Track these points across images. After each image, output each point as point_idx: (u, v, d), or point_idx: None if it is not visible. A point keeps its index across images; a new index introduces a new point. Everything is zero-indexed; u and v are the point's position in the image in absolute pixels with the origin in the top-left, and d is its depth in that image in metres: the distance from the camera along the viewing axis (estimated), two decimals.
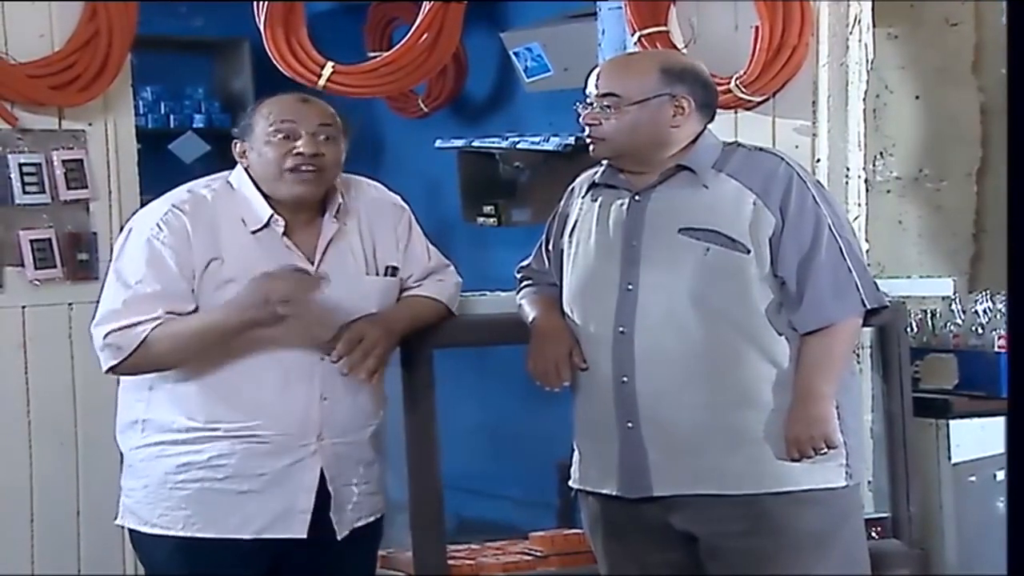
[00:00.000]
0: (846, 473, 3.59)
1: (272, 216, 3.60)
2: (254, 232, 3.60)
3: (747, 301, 3.53)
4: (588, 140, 3.65)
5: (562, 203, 3.81)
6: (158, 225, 3.57)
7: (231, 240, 3.58)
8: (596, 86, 3.63)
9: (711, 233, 3.53)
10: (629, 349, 3.55)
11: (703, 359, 3.51)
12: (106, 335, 3.54)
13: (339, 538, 3.63)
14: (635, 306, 3.56)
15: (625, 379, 3.56)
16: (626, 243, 3.60)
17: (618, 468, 3.60)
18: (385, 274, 3.73)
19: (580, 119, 3.65)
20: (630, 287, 3.57)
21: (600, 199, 3.68)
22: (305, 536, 3.60)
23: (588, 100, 3.63)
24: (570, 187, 3.82)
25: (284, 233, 3.61)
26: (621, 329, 3.56)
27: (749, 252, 3.52)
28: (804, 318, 3.54)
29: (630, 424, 3.57)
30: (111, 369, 3.57)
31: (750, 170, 3.59)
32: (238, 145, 3.65)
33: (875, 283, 3.63)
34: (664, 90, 3.59)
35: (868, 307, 3.58)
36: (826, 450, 3.51)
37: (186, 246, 3.54)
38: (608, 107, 3.59)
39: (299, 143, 3.56)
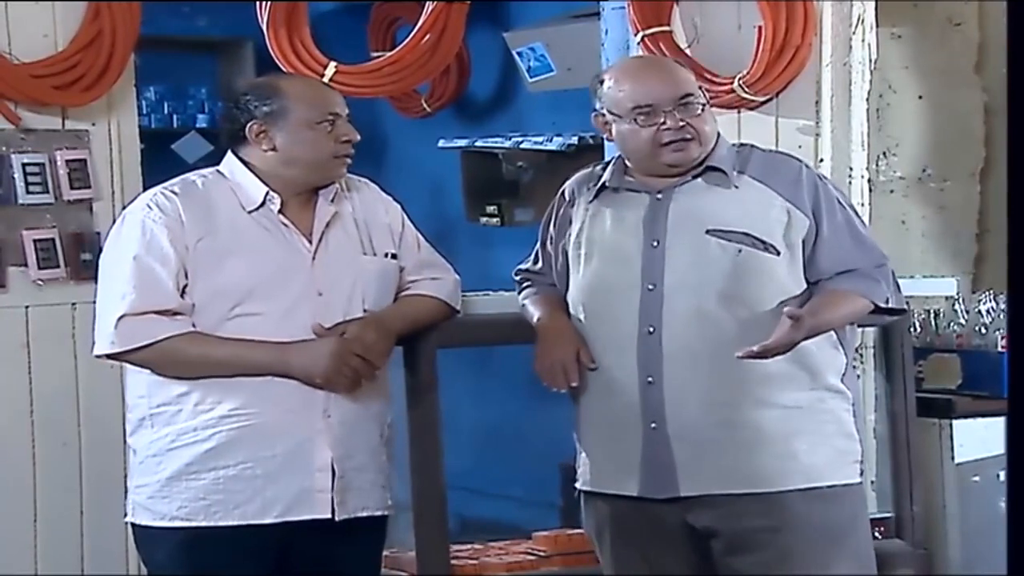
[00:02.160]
0: (860, 471, 3.63)
1: (268, 194, 3.64)
2: (250, 212, 3.65)
3: (776, 301, 3.53)
4: (675, 144, 3.57)
5: (557, 206, 3.79)
6: (148, 206, 3.63)
7: (226, 218, 3.63)
8: (668, 90, 3.58)
9: (742, 235, 3.54)
10: (656, 349, 3.54)
11: (732, 359, 3.49)
12: (118, 320, 3.55)
13: (337, 519, 3.63)
14: (661, 306, 3.54)
15: (651, 379, 3.54)
16: (647, 243, 3.59)
17: (640, 469, 3.58)
18: (384, 257, 3.76)
19: (655, 128, 3.56)
20: (652, 287, 3.56)
21: (612, 200, 3.67)
22: (330, 515, 3.62)
23: (656, 106, 3.57)
24: (562, 189, 3.80)
25: (280, 211, 3.65)
26: (649, 329, 3.54)
27: (779, 254, 3.54)
28: (844, 282, 3.57)
29: (654, 424, 3.55)
30: (113, 355, 3.60)
31: (773, 173, 3.62)
32: (254, 127, 3.66)
33: (898, 284, 3.68)
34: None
35: (891, 306, 3.62)
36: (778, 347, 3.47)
37: (178, 224, 3.59)
38: (689, 106, 3.58)
39: (345, 130, 3.68)
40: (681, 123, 3.57)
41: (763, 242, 3.54)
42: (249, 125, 3.66)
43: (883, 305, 3.61)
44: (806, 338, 3.47)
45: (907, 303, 4.64)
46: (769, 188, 3.59)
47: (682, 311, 3.53)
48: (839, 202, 3.64)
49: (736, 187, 3.59)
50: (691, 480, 3.56)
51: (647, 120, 3.58)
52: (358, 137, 3.71)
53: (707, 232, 3.56)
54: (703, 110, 3.61)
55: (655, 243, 3.59)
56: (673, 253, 3.57)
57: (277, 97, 3.66)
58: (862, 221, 3.70)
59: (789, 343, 3.44)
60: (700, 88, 3.65)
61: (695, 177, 3.62)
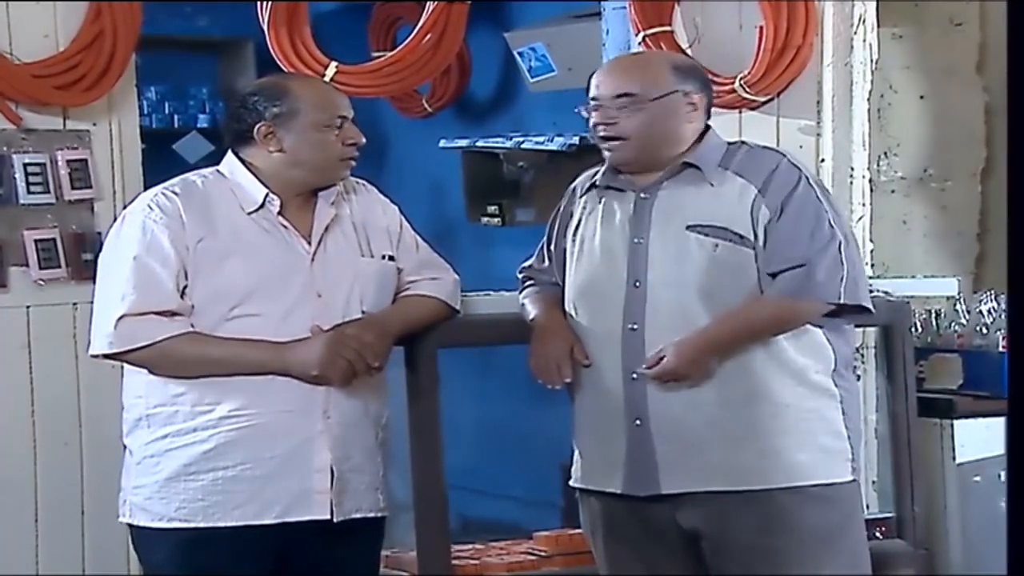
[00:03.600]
0: (852, 468, 3.61)
1: (267, 195, 3.64)
2: (250, 213, 3.64)
3: (755, 294, 3.54)
4: (604, 143, 3.62)
5: (563, 203, 3.82)
6: (149, 206, 3.62)
7: (226, 219, 3.62)
8: (606, 87, 3.61)
9: (719, 229, 3.54)
10: (640, 345, 3.55)
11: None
12: (118, 321, 3.54)
13: (335, 520, 3.62)
14: (644, 302, 3.56)
15: (635, 376, 3.56)
16: (632, 241, 3.61)
17: (625, 466, 3.60)
18: (382, 259, 3.76)
19: (591, 122, 3.63)
20: (637, 284, 3.58)
21: (603, 199, 3.69)
22: (329, 516, 3.61)
23: (598, 103, 3.62)
24: (571, 187, 3.82)
25: (279, 213, 3.65)
26: (632, 326, 3.56)
27: (755, 247, 3.54)
28: (782, 285, 3.53)
29: (638, 421, 3.57)
30: (110, 355, 3.58)
31: (754, 166, 3.60)
32: (262, 128, 3.65)
33: (867, 283, 3.63)
34: (677, 87, 3.61)
35: (843, 302, 3.54)
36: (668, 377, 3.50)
37: (179, 224, 3.58)
38: (625, 107, 3.58)
39: (352, 134, 3.68)
40: (610, 120, 3.59)
41: (740, 235, 3.54)
42: (257, 126, 3.65)
43: (820, 301, 3.54)
44: (708, 353, 3.49)
45: (908, 303, 4.71)
46: (747, 181, 3.58)
47: (664, 308, 3.55)
48: (817, 199, 3.57)
49: (712, 184, 3.59)
50: (672, 477, 3.56)
51: (592, 115, 3.64)
52: (364, 140, 3.71)
53: (687, 228, 3.57)
54: (641, 111, 3.58)
55: (639, 240, 3.60)
56: (655, 250, 3.58)
57: (286, 99, 3.66)
58: (839, 219, 3.60)
59: (673, 373, 3.48)
60: (679, 90, 3.59)
61: (676, 174, 3.61)
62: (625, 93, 3.59)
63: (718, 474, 3.54)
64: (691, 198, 3.59)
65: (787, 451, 3.54)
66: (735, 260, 3.53)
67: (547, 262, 3.84)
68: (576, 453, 3.75)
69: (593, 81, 3.66)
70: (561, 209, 3.82)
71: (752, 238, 3.54)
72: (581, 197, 3.75)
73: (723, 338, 3.52)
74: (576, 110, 3.70)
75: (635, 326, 3.56)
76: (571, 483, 3.76)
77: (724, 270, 3.53)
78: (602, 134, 3.62)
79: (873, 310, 3.64)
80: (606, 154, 3.65)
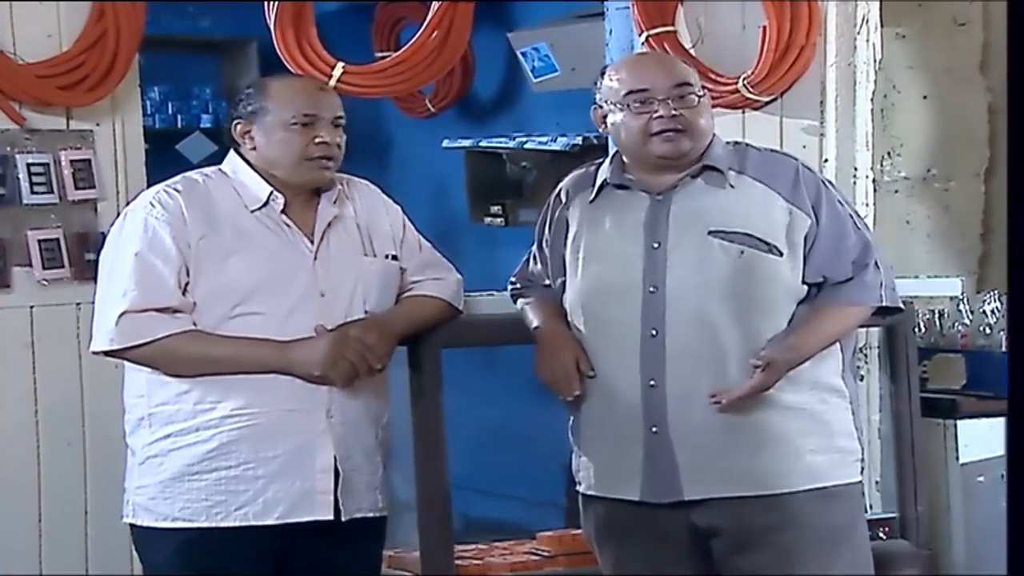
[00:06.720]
0: (860, 468, 3.64)
1: (271, 194, 3.64)
2: (253, 211, 3.65)
3: (779, 302, 3.54)
4: (667, 135, 3.53)
5: (553, 208, 3.76)
6: (151, 203, 3.63)
7: (228, 216, 3.63)
8: (664, 79, 3.54)
9: (743, 235, 3.52)
10: (660, 352, 3.52)
11: (736, 361, 3.49)
12: (119, 317, 3.55)
13: (343, 519, 3.62)
14: (664, 308, 3.53)
15: (653, 382, 3.53)
16: (648, 245, 3.57)
17: (642, 473, 3.57)
18: (384, 259, 3.76)
19: (655, 115, 3.52)
20: (654, 289, 3.54)
21: (611, 201, 3.65)
22: (332, 517, 3.61)
23: (650, 95, 3.54)
24: (557, 191, 3.78)
25: (282, 211, 3.65)
26: (652, 332, 3.53)
27: (782, 255, 3.53)
28: (829, 296, 3.57)
29: (655, 428, 3.54)
30: (112, 353, 3.59)
31: (772, 172, 3.60)
32: (239, 126, 3.67)
33: (893, 283, 3.66)
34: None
35: (884, 304, 3.61)
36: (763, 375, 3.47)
37: (180, 221, 3.59)
38: (684, 97, 3.54)
39: (321, 133, 3.64)
40: (674, 112, 3.53)
41: (765, 243, 3.53)
42: (235, 124, 3.69)
43: (876, 305, 3.61)
44: (791, 368, 3.50)
45: (912, 303, 4.72)
46: (770, 188, 3.57)
47: (685, 313, 3.52)
48: (839, 202, 3.62)
49: (733, 187, 3.57)
50: (695, 483, 3.55)
51: (640, 108, 3.55)
52: (339, 140, 3.67)
53: (709, 233, 3.54)
54: (699, 102, 3.57)
55: (656, 245, 3.57)
56: (675, 255, 3.55)
57: (260, 97, 3.67)
58: (860, 219, 3.67)
59: (763, 388, 3.48)
60: (701, 85, 3.62)
61: (693, 177, 3.60)
62: (685, 83, 3.56)
63: (741, 479, 3.53)
64: (710, 202, 3.57)
65: (807, 453, 3.54)
66: (760, 266, 3.52)
67: (539, 265, 3.79)
68: (583, 459, 3.71)
69: (635, 74, 3.58)
70: (552, 215, 3.75)
71: (781, 246, 3.52)
72: (575, 199, 3.71)
73: (809, 353, 3.53)
74: (624, 106, 3.56)
75: (655, 332, 3.53)
76: (579, 490, 3.73)
77: (748, 276, 3.51)
78: (666, 127, 3.54)
79: (904, 308, 3.73)
80: (662, 147, 3.54)
